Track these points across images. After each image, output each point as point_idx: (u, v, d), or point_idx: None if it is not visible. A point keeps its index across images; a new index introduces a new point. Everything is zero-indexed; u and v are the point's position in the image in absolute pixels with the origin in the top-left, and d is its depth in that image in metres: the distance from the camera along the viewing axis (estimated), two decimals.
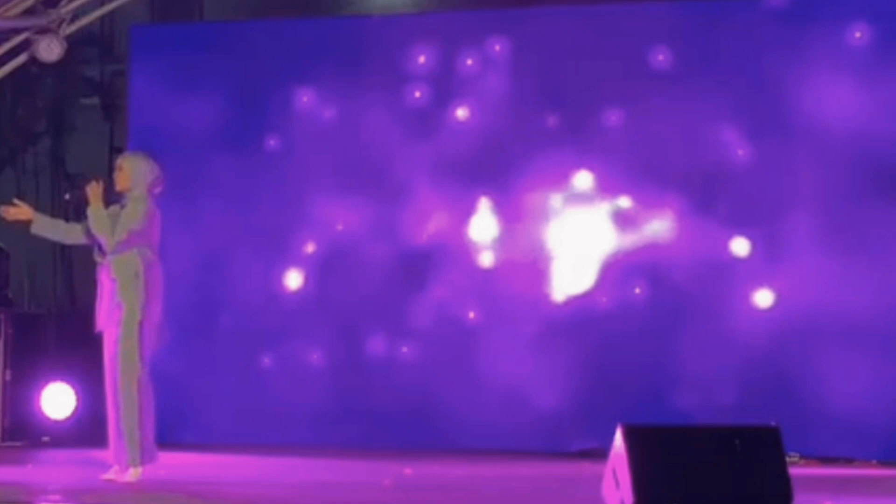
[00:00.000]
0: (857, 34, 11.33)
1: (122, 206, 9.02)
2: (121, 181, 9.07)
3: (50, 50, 11.84)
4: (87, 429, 11.72)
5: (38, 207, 9.90)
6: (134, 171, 9.06)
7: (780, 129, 11.47)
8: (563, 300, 11.86)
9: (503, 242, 12.03)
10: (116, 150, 13.63)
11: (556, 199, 11.91)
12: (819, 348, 11.17)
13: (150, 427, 8.89)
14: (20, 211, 9.25)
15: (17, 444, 11.93)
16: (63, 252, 14.69)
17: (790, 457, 8.16)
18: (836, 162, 11.28)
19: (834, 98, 11.25)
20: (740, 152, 11.52)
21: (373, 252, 12.22)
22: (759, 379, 11.30)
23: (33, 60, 12.14)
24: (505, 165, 11.96)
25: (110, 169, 9.57)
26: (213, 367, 12.38)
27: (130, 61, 13.23)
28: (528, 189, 11.91)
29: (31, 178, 16.16)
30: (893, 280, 11.15)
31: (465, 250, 12.07)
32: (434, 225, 12.07)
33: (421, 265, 12.08)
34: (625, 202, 11.77)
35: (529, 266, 11.92)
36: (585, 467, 9.87)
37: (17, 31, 11.94)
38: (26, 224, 9.29)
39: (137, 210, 8.95)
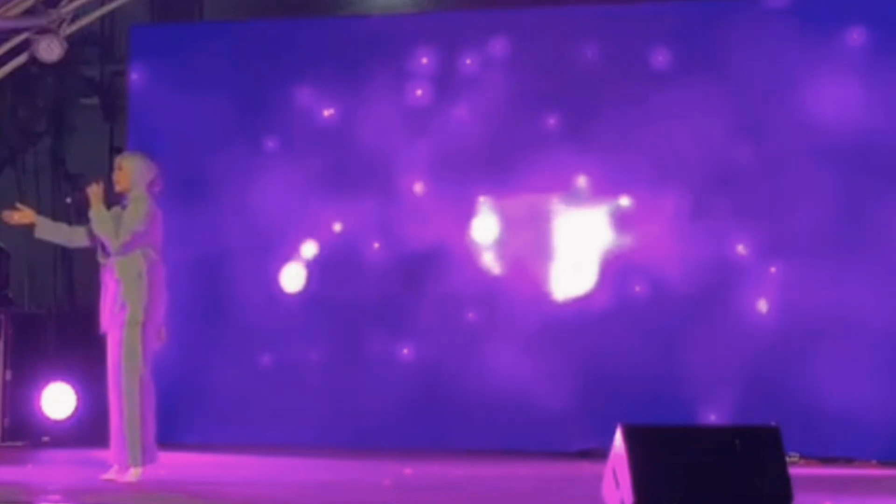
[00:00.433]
0: (857, 34, 11.32)
1: (124, 208, 9.02)
2: (121, 181, 9.07)
3: (50, 50, 11.84)
4: (87, 429, 11.71)
5: (38, 207, 9.91)
6: (133, 171, 9.06)
7: (780, 129, 11.47)
8: (564, 300, 11.85)
9: (503, 242, 12.02)
10: (116, 150, 13.64)
11: (556, 199, 11.91)
12: (819, 348, 11.17)
13: (151, 427, 8.89)
14: (23, 215, 9.23)
15: (17, 444, 11.93)
16: (63, 252, 14.71)
17: (790, 457, 8.17)
18: (837, 162, 11.28)
19: (834, 98, 11.25)
20: (741, 153, 11.51)
21: (373, 252, 12.23)
22: (759, 379, 11.30)
23: (33, 60, 12.14)
24: (505, 165, 11.96)
25: (110, 169, 9.56)
26: (214, 368, 12.37)
27: (130, 61, 13.22)
28: (529, 189, 11.91)
29: (32, 178, 16.19)
30: (893, 280, 11.15)
31: (465, 250, 12.06)
32: (433, 225, 12.06)
33: (421, 265, 12.08)
34: (625, 202, 11.77)
35: (529, 266, 11.92)
36: (585, 467, 9.87)
37: (17, 31, 11.94)
38: (29, 228, 9.28)
39: (139, 211, 8.94)
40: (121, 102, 14.56)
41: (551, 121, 12.00)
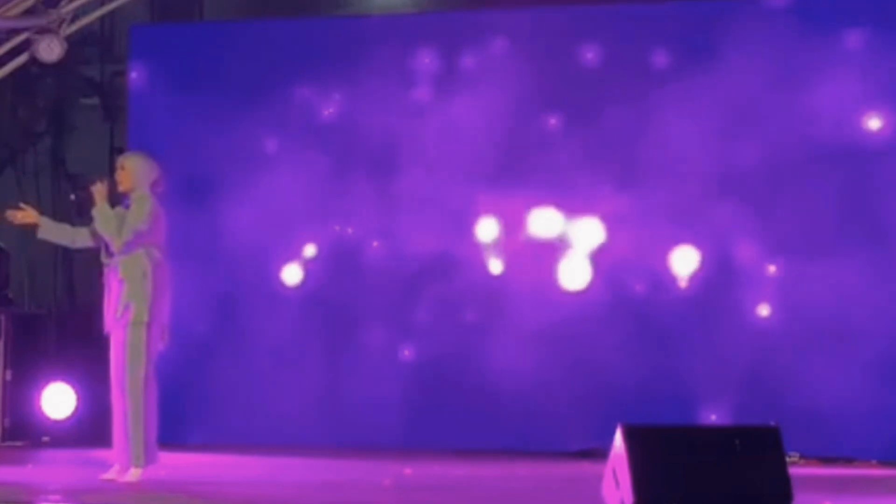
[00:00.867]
0: (857, 35, 11.32)
1: (127, 208, 9.01)
2: (124, 181, 9.05)
3: (50, 50, 11.85)
4: (87, 429, 11.72)
5: (38, 207, 9.89)
6: (136, 171, 9.05)
7: (780, 129, 11.47)
8: (564, 300, 11.85)
9: (503, 242, 12.02)
10: (116, 150, 13.67)
11: (556, 199, 11.90)
12: (819, 348, 11.17)
13: (153, 427, 8.88)
14: (26, 215, 9.22)
15: (18, 444, 11.93)
16: (63, 252, 14.72)
17: (790, 457, 8.17)
18: (837, 162, 11.28)
19: (834, 98, 11.24)
20: (741, 152, 11.51)
21: (373, 252, 12.23)
22: (759, 379, 11.30)
23: (33, 60, 12.14)
24: (505, 165, 11.96)
25: (111, 169, 9.57)
26: (214, 368, 12.37)
27: (130, 61, 13.22)
28: (529, 189, 11.90)
29: (32, 178, 16.21)
30: (892, 281, 11.15)
31: (465, 250, 12.06)
32: (433, 225, 12.06)
33: (421, 265, 12.08)
34: (625, 202, 11.76)
35: (529, 266, 11.91)
36: (585, 467, 9.87)
37: (17, 31, 11.95)
38: (32, 228, 9.27)
39: (142, 210, 8.93)
40: (121, 102, 14.57)
41: (551, 121, 12.00)
